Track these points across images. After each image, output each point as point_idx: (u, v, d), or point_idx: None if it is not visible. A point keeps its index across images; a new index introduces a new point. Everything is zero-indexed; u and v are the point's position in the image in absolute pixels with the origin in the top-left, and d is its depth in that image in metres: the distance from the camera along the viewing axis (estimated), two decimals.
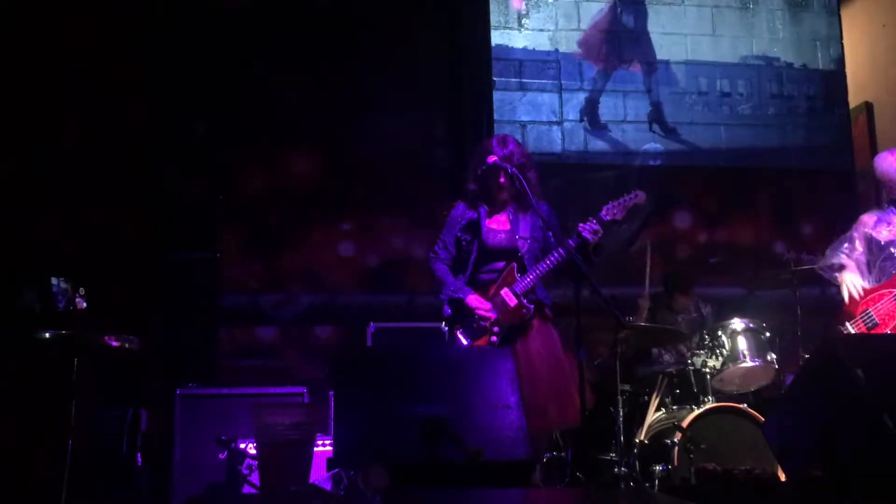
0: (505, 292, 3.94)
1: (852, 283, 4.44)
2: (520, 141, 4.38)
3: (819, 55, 7.01)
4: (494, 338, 3.91)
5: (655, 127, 6.72)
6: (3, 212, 3.72)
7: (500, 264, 4.03)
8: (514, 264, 4.00)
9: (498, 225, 4.09)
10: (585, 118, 6.64)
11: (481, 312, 3.92)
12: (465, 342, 3.93)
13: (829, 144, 6.92)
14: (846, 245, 4.64)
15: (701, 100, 6.83)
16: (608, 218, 3.96)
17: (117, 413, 4.54)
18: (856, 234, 4.63)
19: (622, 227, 6.49)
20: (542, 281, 4.00)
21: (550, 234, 4.00)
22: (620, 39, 6.81)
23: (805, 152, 6.86)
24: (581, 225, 3.89)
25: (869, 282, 4.54)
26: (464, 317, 3.97)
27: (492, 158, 4.01)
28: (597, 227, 3.90)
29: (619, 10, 6.83)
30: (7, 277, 3.45)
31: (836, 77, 7.00)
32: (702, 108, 6.82)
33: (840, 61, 7.02)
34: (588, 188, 6.38)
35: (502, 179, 4.01)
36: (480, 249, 4.04)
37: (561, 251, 3.85)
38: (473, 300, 3.95)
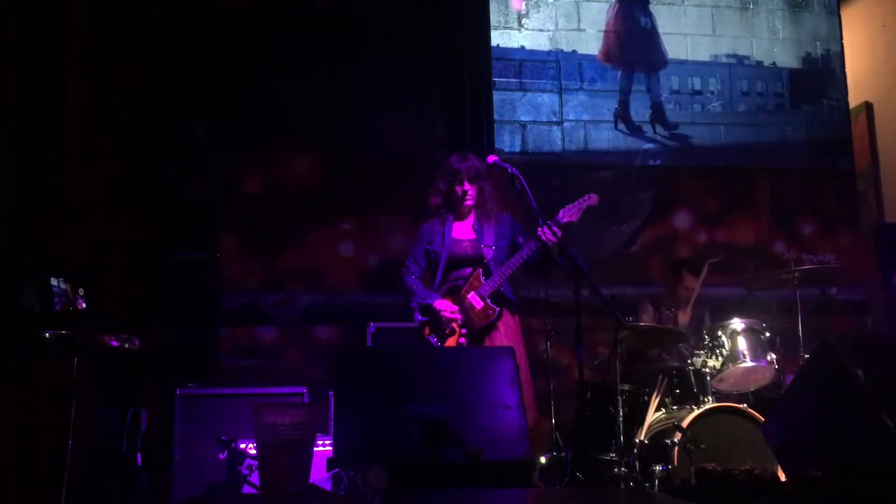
0: (472, 296, 4.16)
1: None
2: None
3: (819, 55, 7.01)
4: (463, 339, 4.13)
5: (656, 127, 6.72)
6: (3, 212, 3.71)
7: (467, 271, 4.25)
8: (480, 269, 4.22)
9: (463, 234, 4.34)
10: (619, 122, 6.66)
11: (446, 314, 4.13)
12: (435, 344, 4.15)
13: (829, 144, 6.92)
14: None
15: (699, 99, 6.83)
16: (564, 220, 4.20)
17: (117, 413, 4.54)
18: None
19: (622, 226, 6.53)
20: (524, 280, 4.31)
21: (521, 238, 4.25)
22: (638, 40, 6.84)
23: (805, 152, 6.87)
24: (539, 230, 4.07)
25: None
26: (433, 321, 4.17)
27: (492, 158, 4.25)
28: (555, 229, 4.05)
29: (635, 11, 6.84)
30: (7, 277, 3.44)
31: (836, 77, 7.00)
32: (701, 107, 6.82)
33: (840, 61, 7.01)
34: (588, 188, 6.37)
35: (466, 186, 4.26)
36: (448, 258, 4.27)
37: (522, 255, 4.12)
38: (440, 304, 4.16)
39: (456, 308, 4.16)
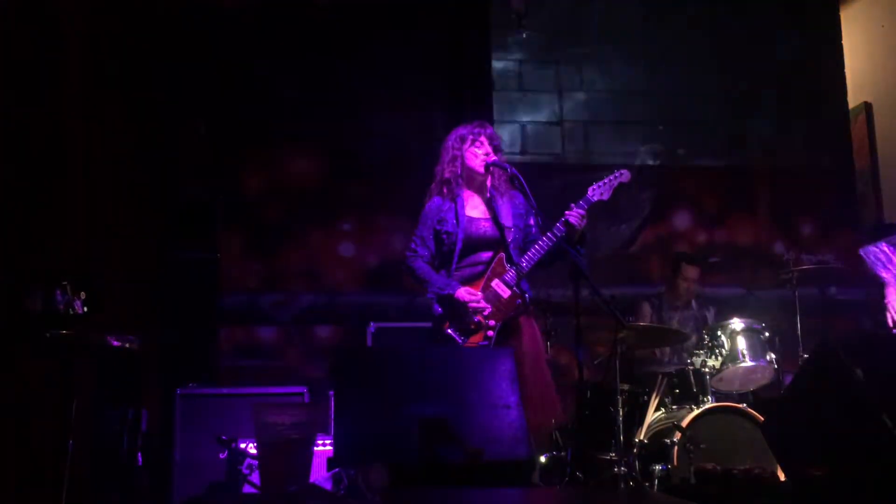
0: (496, 284, 3.75)
1: None
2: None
3: (819, 55, 7.01)
4: (491, 332, 3.73)
5: (656, 127, 6.73)
6: (3, 212, 3.72)
7: (486, 255, 3.84)
8: (503, 254, 3.81)
9: (479, 213, 3.91)
10: None
11: (474, 305, 3.70)
12: (458, 340, 3.73)
13: (829, 145, 6.92)
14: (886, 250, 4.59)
15: (698, 99, 6.82)
16: (595, 199, 3.82)
17: (117, 413, 4.54)
18: None
19: (622, 226, 6.53)
20: (529, 276, 3.83)
21: (532, 220, 3.89)
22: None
23: (805, 153, 6.87)
24: (567, 211, 3.76)
25: None
26: (455, 313, 3.75)
27: (492, 158, 3.93)
28: (582, 211, 3.76)
29: None
30: (7, 278, 3.45)
31: (835, 77, 7.00)
32: (699, 106, 6.82)
33: (840, 61, 7.01)
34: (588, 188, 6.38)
35: (488, 148, 3.88)
36: (465, 241, 3.83)
37: (550, 236, 3.70)
38: (464, 294, 3.72)
39: (481, 297, 3.71)
